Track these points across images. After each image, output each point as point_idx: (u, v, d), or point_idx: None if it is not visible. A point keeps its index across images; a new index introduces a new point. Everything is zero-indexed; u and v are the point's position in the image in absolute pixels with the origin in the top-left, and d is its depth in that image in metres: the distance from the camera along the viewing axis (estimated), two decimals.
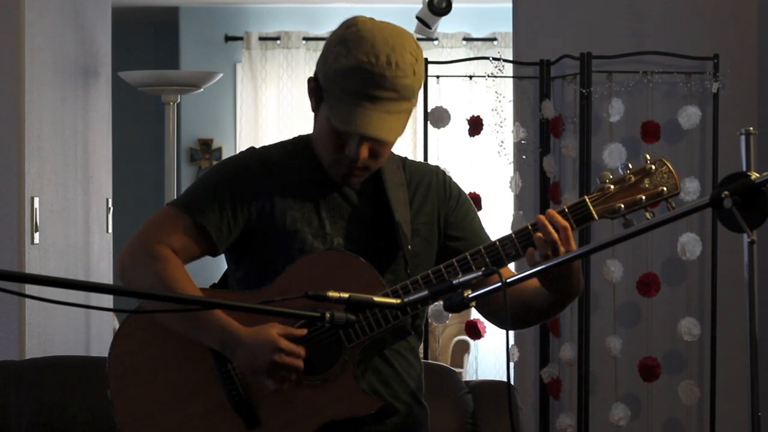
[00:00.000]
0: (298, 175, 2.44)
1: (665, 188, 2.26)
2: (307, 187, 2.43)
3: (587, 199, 2.27)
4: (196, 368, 2.39)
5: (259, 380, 2.35)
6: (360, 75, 2.26)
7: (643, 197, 2.26)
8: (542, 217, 2.26)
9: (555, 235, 2.24)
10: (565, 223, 2.25)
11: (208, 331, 2.35)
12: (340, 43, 2.30)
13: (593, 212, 2.26)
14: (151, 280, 2.37)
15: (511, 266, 2.45)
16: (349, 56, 2.27)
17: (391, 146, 2.39)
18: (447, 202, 2.51)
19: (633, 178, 2.27)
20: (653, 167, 2.27)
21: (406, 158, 2.55)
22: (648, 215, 2.27)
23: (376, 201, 2.45)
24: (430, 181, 2.51)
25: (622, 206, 2.26)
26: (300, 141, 2.50)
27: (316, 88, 2.37)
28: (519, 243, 2.29)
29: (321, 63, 2.35)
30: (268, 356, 2.29)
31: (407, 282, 2.33)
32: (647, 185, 2.26)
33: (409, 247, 2.42)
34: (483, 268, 2.08)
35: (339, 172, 2.39)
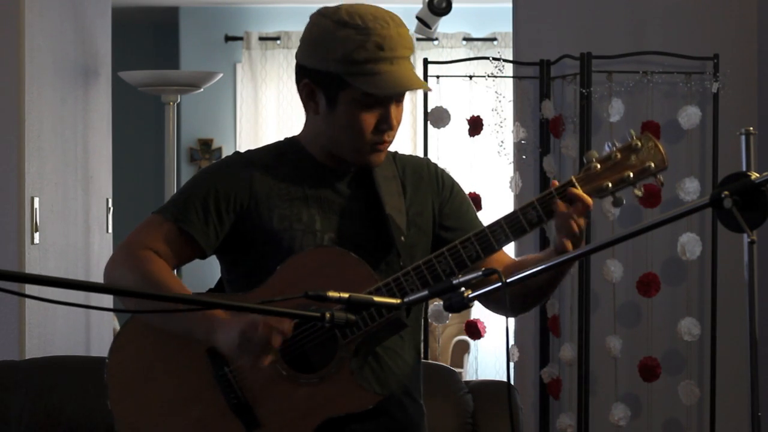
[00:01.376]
0: (287, 174, 2.43)
1: (653, 163, 2.24)
2: (295, 185, 2.42)
3: (574, 179, 2.27)
4: (193, 373, 2.39)
5: (242, 359, 2.29)
6: (381, 42, 2.30)
7: (631, 174, 2.24)
8: (561, 204, 2.27)
9: (586, 199, 2.25)
10: (588, 199, 2.26)
11: (193, 322, 2.32)
12: (339, 28, 2.32)
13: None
14: (135, 281, 2.36)
15: (511, 252, 2.45)
16: (360, 32, 2.30)
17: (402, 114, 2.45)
18: (441, 193, 2.51)
19: (619, 156, 2.25)
20: (639, 143, 2.25)
21: (396, 152, 2.55)
22: (637, 191, 2.26)
23: (368, 194, 2.45)
24: (422, 173, 2.52)
25: (610, 184, 2.25)
26: (288, 142, 2.50)
27: (324, 83, 2.36)
28: (509, 229, 2.30)
29: (324, 55, 2.34)
30: (250, 330, 2.24)
31: (399, 275, 2.32)
32: (634, 161, 2.24)
33: (403, 238, 2.42)
34: (483, 269, 2.07)
35: (369, 153, 2.39)
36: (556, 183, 2.30)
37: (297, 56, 2.42)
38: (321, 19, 2.36)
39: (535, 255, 2.47)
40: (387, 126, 2.36)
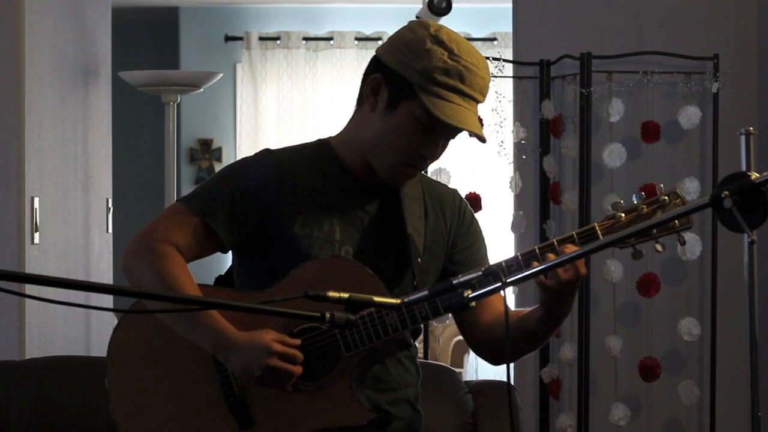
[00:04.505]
0: (314, 179, 2.42)
1: (677, 222, 2.22)
2: (321, 192, 2.42)
3: (597, 227, 2.26)
4: (194, 364, 2.39)
5: (254, 385, 2.34)
6: (466, 75, 2.30)
7: (654, 230, 2.22)
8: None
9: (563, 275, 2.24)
10: (582, 270, 2.24)
11: (203, 334, 2.34)
12: (434, 43, 2.31)
13: (602, 238, 2.23)
14: (150, 277, 2.36)
15: (510, 301, 2.44)
16: (452, 56, 2.30)
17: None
18: (459, 227, 2.51)
19: (645, 209, 2.24)
20: (667, 199, 2.24)
21: (423, 175, 2.56)
22: (659, 247, 2.24)
23: (391, 213, 2.44)
24: (446, 202, 2.52)
25: (632, 237, 2.22)
26: (320, 145, 2.48)
27: (394, 85, 2.34)
28: (524, 263, 2.27)
29: (407, 61, 2.32)
30: (262, 360, 2.28)
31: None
32: (659, 217, 2.21)
33: (419, 260, 2.41)
34: (483, 269, 2.07)
35: (401, 172, 2.38)
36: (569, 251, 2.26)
37: (379, 50, 2.39)
38: (421, 28, 2.35)
39: (526, 310, 2.44)
40: (430, 154, 2.36)
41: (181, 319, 2.36)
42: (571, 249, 2.23)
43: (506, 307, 2.08)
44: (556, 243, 2.26)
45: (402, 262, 2.42)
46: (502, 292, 1.98)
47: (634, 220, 2.24)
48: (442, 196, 2.53)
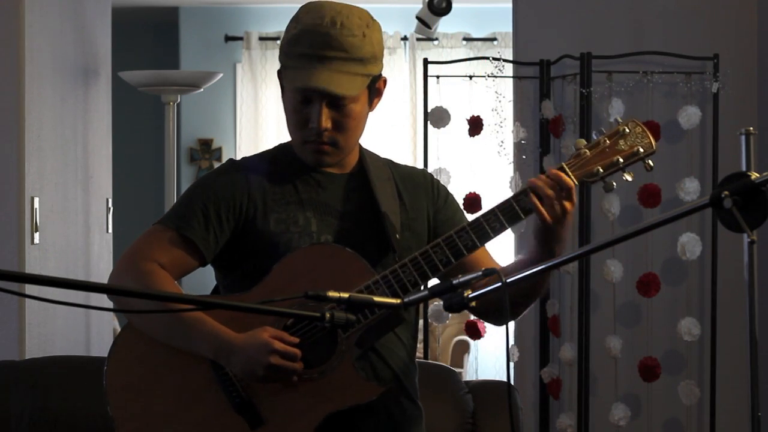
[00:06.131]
0: (281, 178, 2.46)
1: (641, 148, 2.29)
2: (290, 189, 2.45)
3: (565, 166, 2.30)
4: (194, 375, 2.39)
5: (257, 383, 2.35)
6: (307, 37, 2.35)
7: (620, 158, 2.28)
8: (536, 181, 2.27)
9: (550, 191, 2.26)
10: (571, 183, 2.27)
11: (201, 341, 2.35)
12: (292, 20, 2.41)
13: (572, 177, 2.29)
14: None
15: (511, 242, 2.44)
16: (298, 24, 2.38)
17: (357, 120, 2.40)
18: (436, 201, 2.54)
19: (608, 141, 2.30)
20: (626, 129, 2.29)
21: (390, 160, 2.58)
22: (627, 176, 2.30)
23: (363, 197, 2.46)
24: (418, 181, 2.55)
25: (600, 169, 2.29)
26: (280, 148, 2.54)
27: (280, 77, 2.44)
28: (503, 216, 2.32)
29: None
30: (264, 359, 2.29)
31: (396, 266, 2.33)
32: (623, 146, 2.29)
33: (398, 236, 2.43)
34: (483, 270, 2.07)
35: (308, 150, 2.42)
36: (553, 170, 2.31)
37: None
38: None
39: (521, 258, 2.45)
40: (312, 123, 2.37)
41: (177, 330, 2.37)
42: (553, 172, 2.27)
43: (506, 306, 2.08)
44: (529, 189, 2.30)
45: (381, 241, 2.43)
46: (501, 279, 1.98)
47: (599, 154, 2.29)
48: (412, 176, 2.56)
